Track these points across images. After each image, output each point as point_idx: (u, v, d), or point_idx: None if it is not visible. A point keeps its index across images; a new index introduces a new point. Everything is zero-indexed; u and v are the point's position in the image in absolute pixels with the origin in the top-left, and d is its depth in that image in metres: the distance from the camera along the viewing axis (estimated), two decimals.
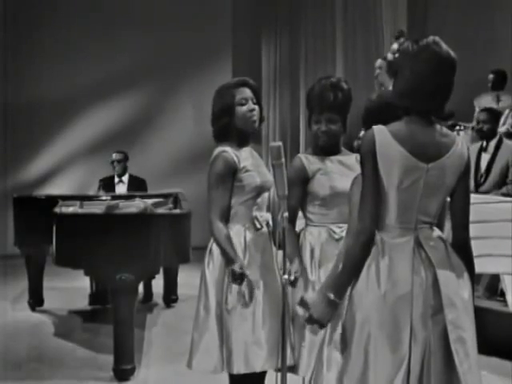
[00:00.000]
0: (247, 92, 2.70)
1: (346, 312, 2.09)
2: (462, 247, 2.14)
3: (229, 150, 2.67)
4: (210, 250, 2.69)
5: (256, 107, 2.71)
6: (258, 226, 2.71)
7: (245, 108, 2.68)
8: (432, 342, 2.00)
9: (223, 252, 2.62)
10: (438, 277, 2.03)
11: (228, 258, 2.60)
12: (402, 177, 2.03)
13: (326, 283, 2.18)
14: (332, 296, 2.08)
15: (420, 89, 2.05)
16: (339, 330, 2.11)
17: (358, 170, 2.54)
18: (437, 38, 2.10)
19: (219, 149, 2.69)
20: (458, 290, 2.07)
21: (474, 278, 2.18)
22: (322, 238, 2.67)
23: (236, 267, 2.55)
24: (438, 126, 2.11)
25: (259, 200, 2.73)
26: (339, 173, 2.69)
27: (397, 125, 2.07)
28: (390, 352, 1.99)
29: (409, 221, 2.06)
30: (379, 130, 2.05)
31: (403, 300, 2.00)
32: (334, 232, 2.66)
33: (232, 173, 2.65)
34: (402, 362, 1.98)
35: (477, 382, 2.06)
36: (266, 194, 2.76)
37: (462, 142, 2.14)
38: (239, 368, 2.58)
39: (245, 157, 2.70)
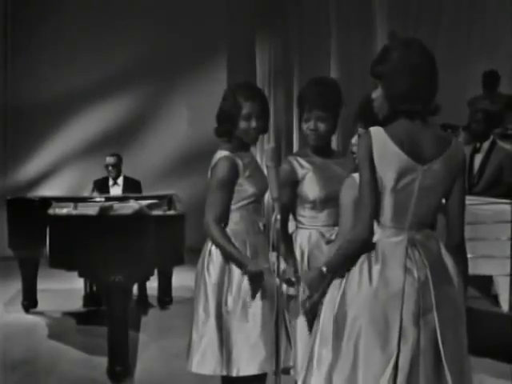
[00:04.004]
0: (254, 107, 2.66)
1: (338, 309, 2.10)
2: (457, 248, 2.15)
3: (232, 155, 2.66)
4: (210, 251, 2.67)
5: (258, 124, 2.67)
6: (257, 229, 2.72)
7: (247, 124, 2.66)
8: (422, 341, 2.02)
9: (229, 255, 2.61)
10: (430, 277, 2.04)
11: (235, 260, 2.60)
12: (398, 178, 2.04)
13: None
14: (324, 269, 2.18)
15: (414, 91, 2.06)
16: (329, 327, 2.12)
17: (348, 171, 2.56)
18: (418, 39, 2.13)
19: (223, 153, 2.67)
20: (449, 291, 2.08)
21: (468, 279, 2.19)
22: (313, 240, 2.68)
23: (252, 267, 2.56)
24: (433, 127, 2.12)
25: (258, 204, 2.74)
26: (330, 175, 2.69)
27: (394, 126, 2.08)
28: (379, 349, 2.00)
29: (403, 221, 2.08)
30: (376, 131, 2.06)
31: (394, 298, 2.02)
32: (323, 235, 2.67)
33: (234, 178, 2.65)
34: (389, 359, 1.99)
35: (464, 381, 2.07)
36: (264, 199, 2.77)
37: (458, 143, 2.16)
38: (238, 370, 2.58)
39: (247, 162, 2.70)
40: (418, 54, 2.07)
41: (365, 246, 2.08)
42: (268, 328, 2.58)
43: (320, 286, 2.24)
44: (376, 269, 2.05)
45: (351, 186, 2.34)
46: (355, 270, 2.08)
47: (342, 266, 2.15)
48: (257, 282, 2.57)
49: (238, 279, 2.62)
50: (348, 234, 2.16)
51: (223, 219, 2.65)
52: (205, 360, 2.61)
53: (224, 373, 2.59)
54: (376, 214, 2.08)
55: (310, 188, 2.68)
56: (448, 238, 2.16)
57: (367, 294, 2.04)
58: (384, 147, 2.04)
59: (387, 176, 2.04)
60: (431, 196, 2.09)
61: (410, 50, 2.07)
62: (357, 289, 2.06)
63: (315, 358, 2.14)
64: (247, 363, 2.58)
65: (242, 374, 2.58)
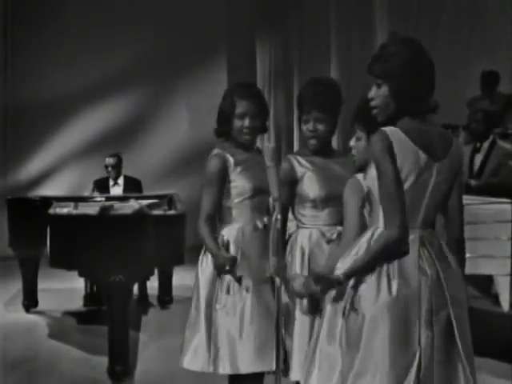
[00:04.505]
0: (249, 106, 2.67)
1: (351, 312, 2.07)
2: (456, 242, 2.17)
3: (222, 152, 2.68)
4: (205, 250, 2.71)
5: (252, 124, 2.68)
6: (256, 227, 2.72)
7: (241, 123, 2.68)
8: (436, 339, 2.02)
9: (207, 248, 2.66)
10: (441, 275, 2.05)
11: (211, 253, 2.64)
12: (417, 175, 2.04)
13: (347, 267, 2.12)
14: (342, 277, 2.06)
15: (420, 89, 2.07)
16: (340, 328, 2.10)
17: (349, 171, 2.56)
18: (415, 38, 2.13)
19: (214, 151, 2.71)
20: (457, 288, 2.10)
21: (464, 273, 2.20)
22: (313, 239, 2.67)
23: (218, 260, 2.58)
24: (436, 125, 2.13)
25: (256, 201, 2.73)
26: (330, 174, 2.69)
27: (405, 123, 2.07)
28: (402, 351, 2.00)
29: (415, 220, 2.08)
30: (393, 131, 2.04)
31: (413, 299, 2.02)
32: (324, 234, 2.67)
33: (222, 175, 2.67)
34: (412, 360, 1.99)
35: (474, 378, 2.08)
36: (265, 196, 2.76)
37: (457, 141, 2.18)
38: (225, 368, 2.60)
39: (242, 159, 2.70)
40: (420, 52, 2.08)
41: (400, 246, 2.03)
42: (256, 328, 2.59)
43: (325, 291, 2.15)
44: (393, 270, 2.04)
45: (355, 186, 2.33)
46: (370, 277, 2.05)
47: (366, 271, 2.06)
48: (224, 271, 2.59)
49: (229, 277, 2.64)
50: (379, 237, 2.06)
51: (211, 215, 2.69)
52: (195, 357, 2.65)
53: (211, 370, 2.62)
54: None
55: (310, 187, 2.68)
56: (448, 233, 2.17)
57: (387, 296, 2.02)
58: (403, 146, 2.02)
59: (405, 174, 2.03)
60: (440, 194, 2.10)
61: (413, 48, 2.08)
62: (375, 292, 2.03)
63: (321, 358, 2.12)
64: (233, 362, 2.58)
65: (229, 372, 2.60)
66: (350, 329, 2.06)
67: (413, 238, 2.06)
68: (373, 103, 2.12)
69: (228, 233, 2.69)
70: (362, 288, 2.06)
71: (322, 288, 2.12)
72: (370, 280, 2.05)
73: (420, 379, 2.00)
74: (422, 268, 2.04)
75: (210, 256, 2.68)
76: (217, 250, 2.63)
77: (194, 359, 2.65)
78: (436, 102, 2.12)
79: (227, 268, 2.58)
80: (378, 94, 2.09)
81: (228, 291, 2.62)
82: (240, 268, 2.63)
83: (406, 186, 2.04)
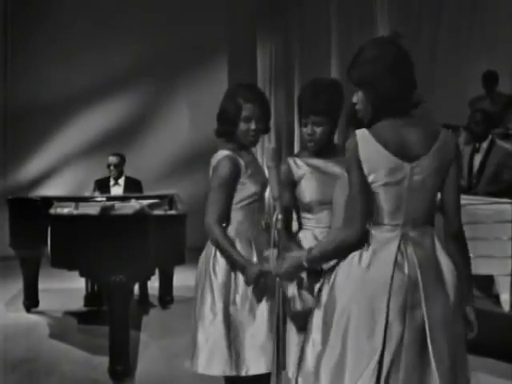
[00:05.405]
0: (255, 109, 2.67)
1: (328, 298, 2.11)
2: (456, 235, 2.16)
3: (233, 155, 2.67)
4: (215, 252, 2.66)
5: (258, 126, 2.69)
6: (260, 228, 2.72)
7: (247, 126, 2.68)
8: (406, 336, 2.01)
9: (229, 257, 2.61)
10: (420, 275, 2.05)
11: (235, 263, 2.60)
12: (387, 177, 2.05)
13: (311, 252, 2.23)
14: (306, 264, 2.18)
15: (396, 91, 2.07)
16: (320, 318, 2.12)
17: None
18: (389, 37, 2.14)
19: (224, 152, 2.68)
20: (441, 290, 2.08)
21: (470, 266, 2.18)
22: (308, 241, 2.66)
23: (252, 270, 2.55)
24: (420, 123, 2.12)
25: (261, 203, 2.74)
26: (328, 176, 2.68)
27: (379, 126, 2.09)
28: (366, 340, 2.01)
29: (398, 218, 2.08)
30: (361, 133, 2.07)
31: (381, 290, 2.02)
32: (317, 237, 2.65)
33: (235, 177, 2.66)
34: (375, 352, 2.00)
35: (453, 381, 2.06)
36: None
37: (447, 133, 2.15)
38: (248, 369, 2.58)
39: (248, 161, 2.71)
40: (392, 53, 2.08)
41: (355, 247, 2.08)
42: (271, 327, 2.57)
43: (294, 277, 2.29)
44: (366, 260, 2.06)
45: (344, 185, 2.34)
46: (346, 261, 2.09)
47: (324, 262, 2.18)
48: (258, 283, 2.57)
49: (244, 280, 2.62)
50: (338, 234, 2.14)
51: (223, 219, 2.66)
52: (213, 361, 2.59)
53: (234, 373, 2.58)
54: (369, 214, 2.09)
55: (307, 189, 2.68)
56: (446, 227, 2.16)
57: (356, 283, 2.05)
58: (370, 149, 2.05)
59: (376, 176, 2.06)
60: (423, 192, 2.09)
61: (384, 51, 2.08)
62: (346, 278, 2.07)
63: (307, 352, 2.14)
64: (255, 362, 2.57)
65: (251, 373, 2.58)
66: (326, 313, 2.09)
67: (394, 234, 2.07)
68: (356, 107, 2.16)
69: (239, 235, 2.67)
70: (337, 273, 2.10)
71: (292, 270, 2.25)
72: (344, 267, 2.09)
73: (383, 375, 1.99)
74: (399, 264, 2.04)
75: (221, 259, 2.64)
76: (247, 263, 2.58)
77: (211, 363, 2.59)
78: (420, 96, 2.12)
79: (261, 280, 2.55)
80: (358, 98, 2.14)
81: (246, 295, 2.60)
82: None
83: (378, 184, 2.05)
